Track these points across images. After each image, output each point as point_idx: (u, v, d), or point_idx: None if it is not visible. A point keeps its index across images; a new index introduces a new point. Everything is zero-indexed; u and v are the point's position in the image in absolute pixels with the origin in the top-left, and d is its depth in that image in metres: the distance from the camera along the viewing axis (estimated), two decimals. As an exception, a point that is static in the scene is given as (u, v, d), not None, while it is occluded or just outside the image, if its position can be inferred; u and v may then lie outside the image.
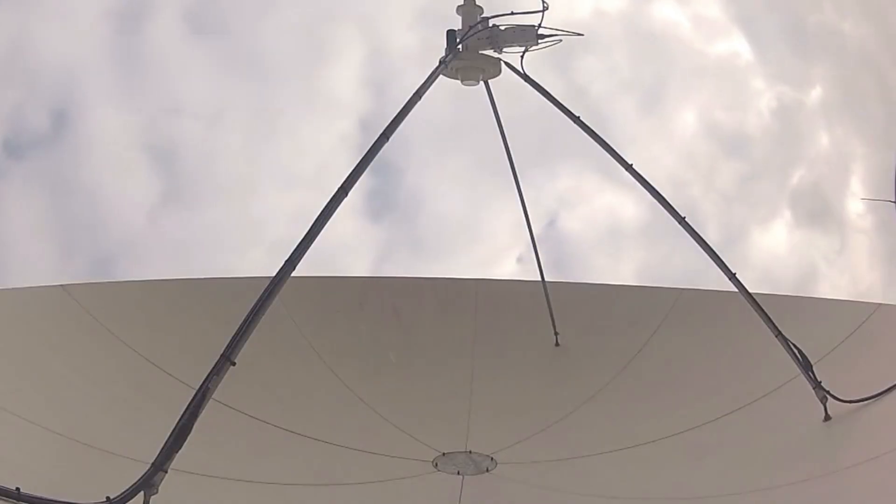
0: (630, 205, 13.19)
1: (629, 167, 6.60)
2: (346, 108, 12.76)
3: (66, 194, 11.49)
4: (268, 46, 12.15)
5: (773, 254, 13.21)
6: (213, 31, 12.02)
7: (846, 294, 13.39)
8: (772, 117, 13.40)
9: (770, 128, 13.46)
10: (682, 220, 6.49)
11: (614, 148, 6.64)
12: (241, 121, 12.23)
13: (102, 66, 11.60)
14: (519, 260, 12.54)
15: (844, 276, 13.06)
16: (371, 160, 5.19)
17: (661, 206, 6.54)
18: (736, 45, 13.29)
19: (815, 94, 13.35)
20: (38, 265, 10.74)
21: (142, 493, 4.01)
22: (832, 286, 13.05)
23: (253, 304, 4.45)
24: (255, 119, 12.19)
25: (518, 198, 8.23)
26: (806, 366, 6.11)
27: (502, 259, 13.24)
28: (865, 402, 6.09)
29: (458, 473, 6.36)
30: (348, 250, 12.42)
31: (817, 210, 13.56)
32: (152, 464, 4.05)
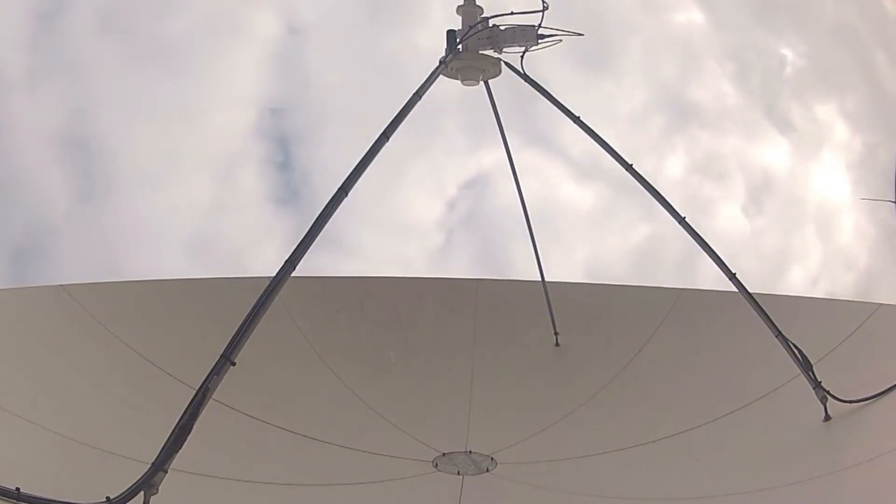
0: (572, 184, 12.83)
1: (629, 167, 6.60)
2: (257, 96, 12.68)
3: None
4: (176, 36, 12.02)
5: (735, 237, 12.71)
6: (124, 21, 11.87)
7: (824, 285, 12.93)
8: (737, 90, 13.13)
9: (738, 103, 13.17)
10: (682, 220, 6.49)
11: (614, 147, 6.65)
12: (154, 113, 12.05)
13: (17, 61, 11.52)
14: (439, 252, 12.26)
15: (816, 264, 12.73)
16: (371, 160, 5.19)
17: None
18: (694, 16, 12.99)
19: (788, 66, 13.06)
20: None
21: (142, 493, 4.01)
22: (804, 276, 12.67)
23: (253, 304, 4.46)
24: (166, 111, 11.99)
25: (518, 198, 8.23)
26: (806, 366, 6.11)
27: (422, 249, 13.01)
28: (865, 402, 6.10)
29: (458, 473, 6.36)
30: (254, 244, 12.32)
31: (788, 191, 13.29)
32: (152, 464, 4.05)
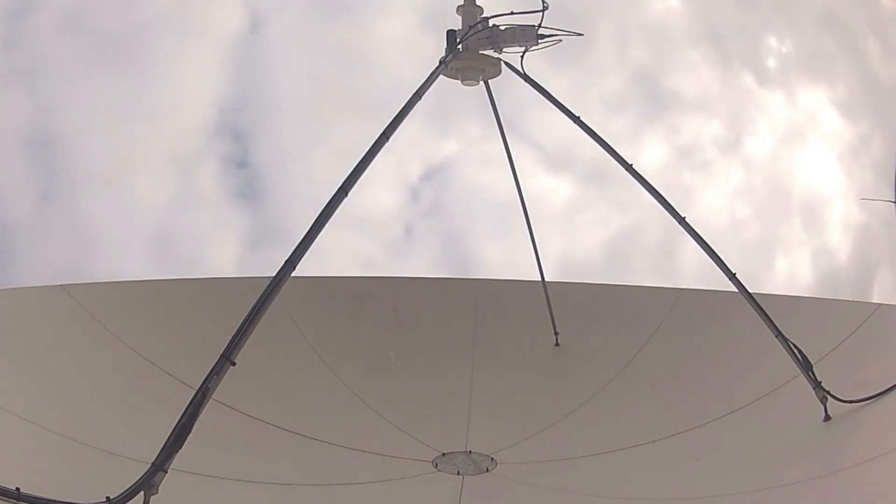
0: (544, 175, 12.58)
1: (629, 167, 6.60)
2: (217, 94, 12.60)
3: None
4: (136, 34, 11.89)
5: (716, 228, 12.36)
6: (84, 21, 11.75)
7: (812, 279, 12.64)
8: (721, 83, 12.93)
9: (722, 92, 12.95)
10: (682, 221, 6.49)
11: (614, 148, 6.65)
12: (112, 111, 11.92)
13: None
14: (400, 245, 12.05)
15: (803, 258, 12.51)
16: (371, 160, 5.19)
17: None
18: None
19: (774, 53, 12.83)
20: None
21: (142, 493, 4.02)
22: (790, 269, 12.40)
23: (253, 304, 4.46)
24: (124, 108, 11.85)
25: (520, 200, 8.23)
26: (806, 366, 6.11)
27: (381, 243, 12.88)
28: (865, 402, 6.10)
29: (458, 473, 6.36)
30: (215, 242, 12.22)
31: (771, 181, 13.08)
32: (152, 464, 4.06)
